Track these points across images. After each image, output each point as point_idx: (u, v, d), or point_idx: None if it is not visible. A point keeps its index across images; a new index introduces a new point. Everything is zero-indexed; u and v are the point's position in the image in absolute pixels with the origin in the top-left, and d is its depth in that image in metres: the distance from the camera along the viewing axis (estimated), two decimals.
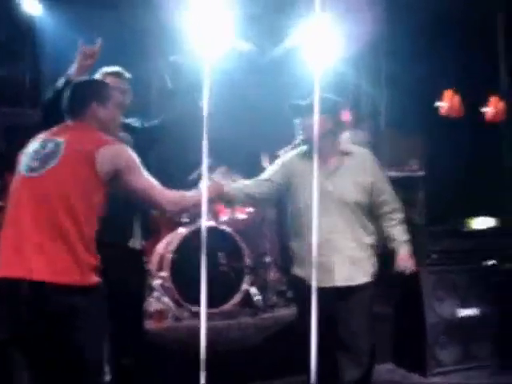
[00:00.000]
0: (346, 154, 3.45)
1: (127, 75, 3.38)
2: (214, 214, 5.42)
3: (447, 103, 6.59)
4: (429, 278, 4.55)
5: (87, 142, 2.60)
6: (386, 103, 8.00)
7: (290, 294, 5.45)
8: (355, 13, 5.83)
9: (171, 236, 5.26)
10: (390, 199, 3.48)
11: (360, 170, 3.43)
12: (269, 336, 4.59)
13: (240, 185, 3.58)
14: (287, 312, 5.09)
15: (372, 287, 3.42)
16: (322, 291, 2.71)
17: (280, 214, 5.84)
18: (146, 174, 2.70)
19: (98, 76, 3.35)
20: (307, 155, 3.41)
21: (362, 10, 5.79)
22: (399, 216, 3.49)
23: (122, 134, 2.95)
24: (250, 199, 3.57)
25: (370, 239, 3.44)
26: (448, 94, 6.59)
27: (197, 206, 2.88)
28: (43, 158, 2.54)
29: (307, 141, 3.40)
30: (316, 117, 2.80)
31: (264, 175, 3.57)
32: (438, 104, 6.67)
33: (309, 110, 3.08)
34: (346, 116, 5.80)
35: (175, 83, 3.53)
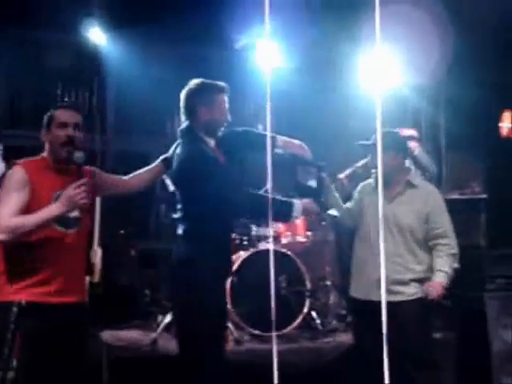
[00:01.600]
0: (411, 185, 3.63)
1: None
2: (274, 238, 5.46)
3: (509, 124, 6.49)
4: (493, 304, 4.44)
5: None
6: (446, 125, 7.92)
7: (350, 319, 5.42)
8: (416, 36, 5.82)
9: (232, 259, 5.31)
10: (445, 233, 3.56)
11: (420, 200, 3.58)
12: (328, 361, 4.56)
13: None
14: (347, 337, 5.05)
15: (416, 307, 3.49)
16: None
17: (340, 238, 5.84)
18: (5, 200, 2.71)
19: None
20: (375, 185, 3.67)
21: (423, 34, 5.77)
22: (451, 251, 3.56)
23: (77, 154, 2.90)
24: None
25: (418, 267, 3.54)
26: (509, 115, 6.48)
27: (39, 226, 2.71)
28: None
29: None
30: (380, 154, 2.85)
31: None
32: (499, 125, 6.57)
33: (374, 149, 3.33)
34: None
35: None
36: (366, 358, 3.44)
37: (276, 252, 5.14)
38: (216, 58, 7.70)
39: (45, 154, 2.91)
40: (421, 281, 3.54)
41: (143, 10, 6.61)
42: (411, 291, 3.52)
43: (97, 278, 5.59)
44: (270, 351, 4.27)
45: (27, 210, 2.70)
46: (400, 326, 3.37)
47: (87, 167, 3.00)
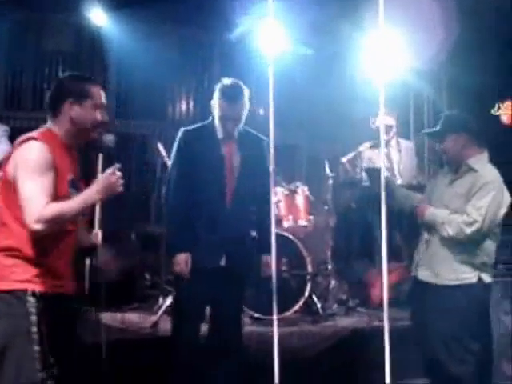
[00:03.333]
0: (471, 169, 3.49)
1: None
2: (276, 221, 5.44)
3: (508, 111, 6.46)
4: (494, 290, 4.43)
5: (16, 146, 2.55)
6: (448, 110, 7.88)
7: (351, 303, 5.43)
8: (418, 21, 5.78)
9: None
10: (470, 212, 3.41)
11: (470, 185, 3.45)
12: (329, 345, 4.57)
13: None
14: (348, 321, 5.06)
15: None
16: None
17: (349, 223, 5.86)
18: (37, 183, 2.43)
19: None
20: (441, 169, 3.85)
21: (426, 18, 5.73)
22: (466, 219, 3.40)
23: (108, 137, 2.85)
24: None
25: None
26: (509, 104, 6.45)
27: (76, 215, 2.55)
28: None
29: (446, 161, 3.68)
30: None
31: None
32: (498, 113, 6.55)
33: (438, 135, 3.62)
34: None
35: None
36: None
37: (277, 235, 5.11)
38: (218, 40, 7.65)
39: (54, 129, 2.61)
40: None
41: None
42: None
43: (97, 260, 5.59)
44: (271, 334, 4.30)
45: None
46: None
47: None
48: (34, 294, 2.47)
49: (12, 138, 5.18)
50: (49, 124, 2.63)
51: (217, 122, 3.53)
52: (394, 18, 5.36)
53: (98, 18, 6.86)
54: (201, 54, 7.55)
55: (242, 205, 3.60)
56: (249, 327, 4.57)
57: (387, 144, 5.76)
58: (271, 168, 5.69)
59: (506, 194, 3.50)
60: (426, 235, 3.60)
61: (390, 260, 5.45)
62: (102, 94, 2.68)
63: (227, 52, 7.73)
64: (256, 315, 4.85)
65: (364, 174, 5.48)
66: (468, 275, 3.46)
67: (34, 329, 2.44)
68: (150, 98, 7.42)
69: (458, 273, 3.46)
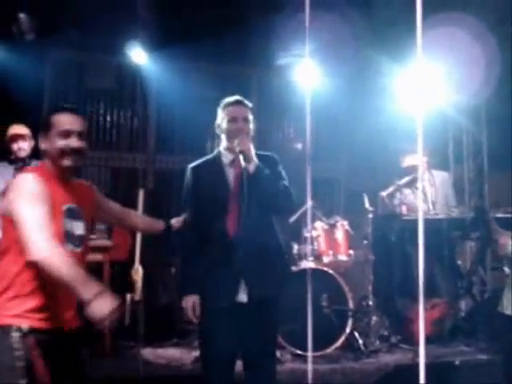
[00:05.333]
0: None
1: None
2: (316, 256, 5.42)
3: None
4: None
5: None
6: (488, 144, 7.83)
7: (393, 340, 5.34)
8: (459, 55, 5.78)
9: None
10: None
11: None
12: (372, 382, 4.49)
13: None
14: (390, 358, 4.97)
15: None
16: None
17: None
18: (36, 211, 2.40)
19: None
20: None
21: (467, 53, 5.73)
22: None
23: None
24: None
25: None
26: None
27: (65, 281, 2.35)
28: None
29: None
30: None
31: None
32: None
33: None
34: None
35: None
36: None
37: (317, 271, 5.10)
38: (256, 77, 7.75)
39: (46, 163, 2.63)
40: None
41: (183, 30, 6.69)
42: None
43: (138, 295, 5.64)
44: (313, 371, 4.24)
45: None
46: None
47: (85, 182, 2.84)
48: (19, 329, 2.42)
49: None
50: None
51: (224, 143, 3.32)
52: (435, 52, 5.41)
53: (139, 56, 7.02)
54: (238, 90, 7.63)
55: (258, 228, 3.19)
56: (289, 364, 4.54)
57: (421, 178, 5.76)
58: (309, 202, 5.72)
59: None
60: (507, 269, 3.62)
61: (431, 296, 5.42)
62: (71, 120, 2.61)
63: (265, 87, 7.81)
64: (298, 352, 4.80)
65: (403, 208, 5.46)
66: None
67: (20, 364, 2.40)
68: (189, 133, 7.51)
69: None
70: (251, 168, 3.11)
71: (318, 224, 5.57)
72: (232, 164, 3.26)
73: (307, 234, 5.61)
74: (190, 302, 3.13)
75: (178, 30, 6.70)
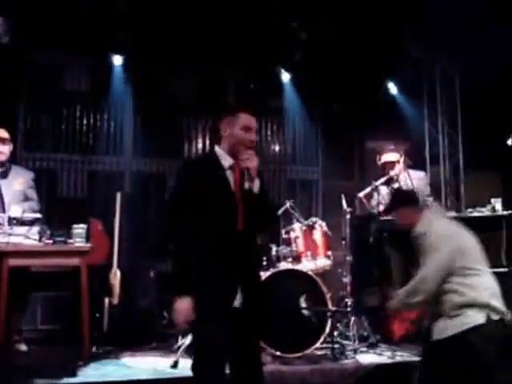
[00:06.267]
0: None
1: None
2: (294, 257, 5.42)
3: None
4: None
5: None
6: (463, 143, 7.93)
7: (372, 339, 5.36)
8: None
9: None
10: None
11: None
12: (352, 382, 4.51)
13: None
14: (369, 358, 4.99)
15: None
16: None
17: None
18: None
19: None
20: None
21: None
22: None
23: None
24: None
25: None
26: None
27: None
28: None
29: None
30: None
31: None
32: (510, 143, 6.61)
33: None
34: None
35: None
36: None
37: (296, 272, 5.10)
38: (233, 79, 7.77)
39: None
40: None
41: (159, 33, 6.68)
42: None
43: (116, 299, 5.60)
44: (292, 373, 4.25)
45: None
46: None
47: None
48: None
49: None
50: None
51: (225, 146, 3.26)
52: None
53: (115, 59, 7.01)
54: (215, 92, 7.62)
55: (252, 236, 3.23)
56: (269, 366, 4.53)
57: (397, 178, 5.78)
58: (288, 203, 5.72)
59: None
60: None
61: None
62: None
63: (242, 90, 7.82)
64: (277, 353, 4.79)
65: (381, 208, 5.49)
66: None
67: None
68: (166, 136, 7.49)
69: None
70: (255, 188, 3.13)
71: (296, 225, 5.58)
72: (231, 168, 3.20)
73: (285, 236, 5.62)
74: (184, 304, 3.00)
75: (155, 33, 6.68)
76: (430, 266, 3.57)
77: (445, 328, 3.47)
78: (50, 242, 4.62)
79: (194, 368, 3.08)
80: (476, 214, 5.44)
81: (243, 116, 3.25)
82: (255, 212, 3.15)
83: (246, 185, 3.13)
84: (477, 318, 3.41)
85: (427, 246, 3.63)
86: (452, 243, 3.59)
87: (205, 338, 3.04)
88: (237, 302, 3.06)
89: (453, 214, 5.60)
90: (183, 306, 3.00)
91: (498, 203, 5.53)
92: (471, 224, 5.14)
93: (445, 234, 3.65)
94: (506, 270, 5.50)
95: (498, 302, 3.49)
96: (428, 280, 3.55)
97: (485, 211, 5.52)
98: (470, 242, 3.67)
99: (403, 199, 4.01)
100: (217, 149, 3.29)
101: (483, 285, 3.52)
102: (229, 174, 3.20)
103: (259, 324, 3.24)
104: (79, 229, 4.79)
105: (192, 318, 3.01)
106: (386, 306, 3.93)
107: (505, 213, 5.45)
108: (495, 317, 3.43)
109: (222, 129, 3.28)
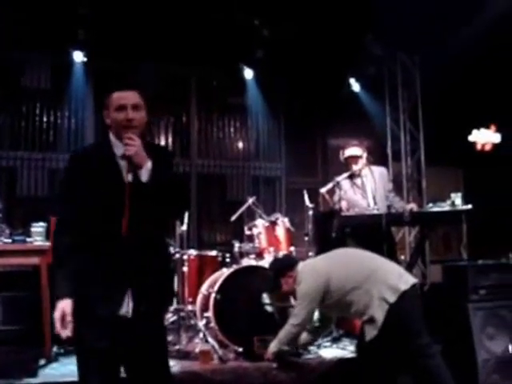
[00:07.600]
0: None
1: None
2: (257, 254, 5.43)
3: (482, 138, 6.61)
4: (477, 314, 4.45)
5: None
6: (424, 139, 8.04)
7: (335, 334, 5.40)
8: None
9: (215, 276, 5.27)
10: None
11: None
12: (314, 377, 4.54)
13: None
14: (333, 352, 5.02)
15: None
16: None
17: None
18: None
19: None
20: None
21: None
22: None
23: None
24: None
25: None
26: (482, 130, 6.60)
27: None
28: None
29: None
30: None
31: None
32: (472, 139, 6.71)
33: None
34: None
35: None
36: None
37: (259, 268, 5.11)
38: (196, 75, 7.75)
39: None
40: None
41: (121, 29, 6.63)
42: None
43: None
44: (255, 369, 4.25)
45: None
46: None
47: None
48: None
49: None
50: None
51: (114, 135, 2.85)
52: None
53: (76, 55, 6.93)
54: (177, 89, 7.59)
55: (149, 234, 2.82)
56: (232, 363, 4.53)
57: (360, 173, 5.81)
58: (251, 200, 5.73)
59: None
60: None
61: None
62: None
63: (205, 86, 7.81)
64: (240, 350, 4.79)
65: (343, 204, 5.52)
66: None
67: None
68: None
69: None
70: (143, 177, 2.72)
71: (259, 221, 5.59)
72: (124, 157, 2.77)
73: (248, 232, 5.62)
74: (61, 309, 2.64)
75: (116, 29, 6.63)
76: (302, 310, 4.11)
77: (369, 330, 3.83)
78: (9, 241, 4.55)
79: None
80: (436, 209, 5.49)
81: (114, 96, 2.83)
82: (150, 206, 2.75)
83: (129, 177, 2.75)
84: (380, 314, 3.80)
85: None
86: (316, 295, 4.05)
87: (84, 346, 2.73)
88: (123, 310, 2.72)
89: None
90: (58, 311, 2.65)
91: (457, 198, 5.58)
92: (432, 218, 5.25)
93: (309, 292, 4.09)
94: (465, 263, 5.60)
95: (387, 289, 3.84)
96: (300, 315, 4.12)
97: (445, 206, 5.57)
98: (342, 269, 4.09)
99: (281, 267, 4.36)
100: (110, 135, 2.88)
101: (365, 295, 3.89)
102: (123, 164, 2.80)
103: (155, 331, 2.86)
104: (39, 227, 4.72)
105: (70, 324, 2.64)
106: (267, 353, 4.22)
107: (464, 207, 5.51)
108: (392, 299, 3.79)
109: (105, 115, 2.88)
